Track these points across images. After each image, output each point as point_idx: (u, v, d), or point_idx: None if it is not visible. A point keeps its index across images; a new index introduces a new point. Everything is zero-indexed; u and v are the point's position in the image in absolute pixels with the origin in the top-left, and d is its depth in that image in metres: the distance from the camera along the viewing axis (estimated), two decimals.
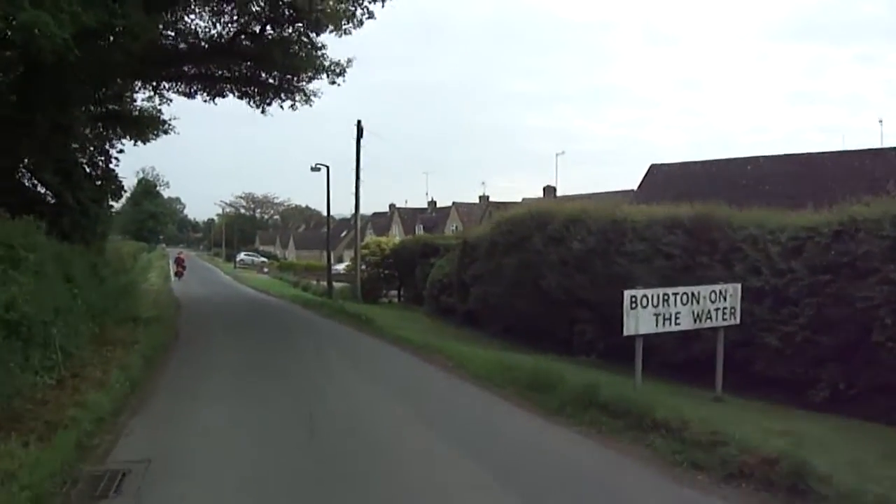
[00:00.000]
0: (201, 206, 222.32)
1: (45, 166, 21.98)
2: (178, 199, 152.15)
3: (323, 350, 17.40)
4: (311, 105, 28.36)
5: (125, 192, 25.27)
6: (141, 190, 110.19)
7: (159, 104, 29.87)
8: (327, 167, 38.02)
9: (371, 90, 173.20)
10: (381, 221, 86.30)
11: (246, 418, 9.91)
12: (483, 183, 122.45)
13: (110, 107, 28.01)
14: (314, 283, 46.72)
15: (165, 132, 30.65)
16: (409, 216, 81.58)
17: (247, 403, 10.88)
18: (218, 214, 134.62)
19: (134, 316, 18.96)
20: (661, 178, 33.54)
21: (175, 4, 24.58)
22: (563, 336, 18.35)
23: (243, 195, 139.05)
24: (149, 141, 31.14)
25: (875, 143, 32.02)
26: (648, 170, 35.88)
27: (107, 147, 27.06)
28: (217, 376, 13.40)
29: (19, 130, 19.92)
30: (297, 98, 28.19)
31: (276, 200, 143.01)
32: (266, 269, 74.19)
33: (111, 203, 25.46)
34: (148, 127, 30.30)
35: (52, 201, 22.18)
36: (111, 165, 25.48)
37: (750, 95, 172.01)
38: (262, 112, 28.86)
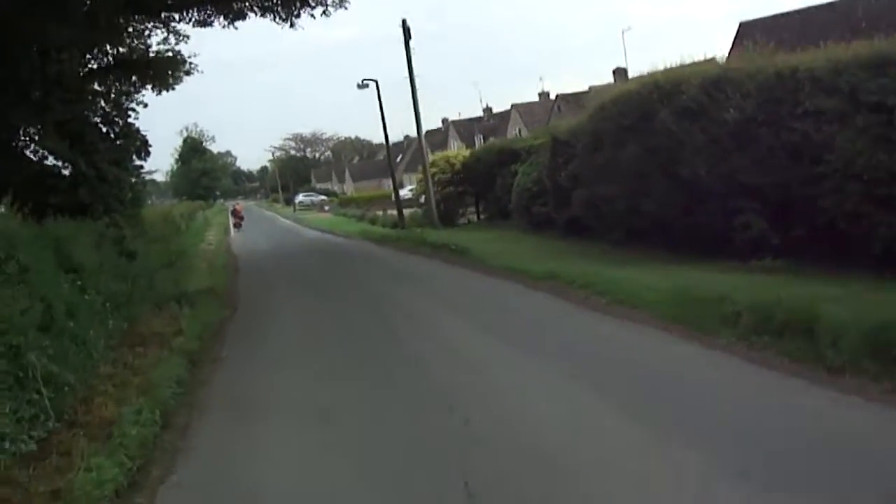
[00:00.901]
0: (253, 155, 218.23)
1: (49, 132, 18.42)
2: (228, 153, 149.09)
3: (426, 305, 13.25)
4: (346, 7, 23.92)
5: (150, 146, 21.32)
6: (188, 149, 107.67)
7: (175, 44, 25.80)
8: (375, 81, 33.73)
9: (397, 10, 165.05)
10: (435, 138, 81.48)
11: (344, 470, 6.01)
12: (541, 79, 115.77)
13: (118, 51, 24.15)
14: (380, 213, 42.97)
15: (187, 73, 26.48)
16: (465, 128, 76.66)
17: (340, 434, 6.89)
18: (270, 160, 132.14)
19: (180, 293, 15.44)
20: (757, 36, 29.01)
21: None
22: (716, 235, 14.19)
23: (291, 137, 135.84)
24: (171, 87, 27.00)
25: None
26: (738, 29, 31.63)
27: (122, 100, 23.31)
28: (290, 374, 9.52)
29: (6, 93, 16.31)
30: (329, 2, 23.78)
31: (324, 137, 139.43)
32: (327, 208, 70.75)
33: (139, 163, 21.53)
34: (167, 70, 26.27)
35: (67, 172, 18.68)
36: (130, 120, 21.57)
37: None
38: (291, 26, 24.41)
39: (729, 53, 28.57)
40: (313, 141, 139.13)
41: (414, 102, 30.59)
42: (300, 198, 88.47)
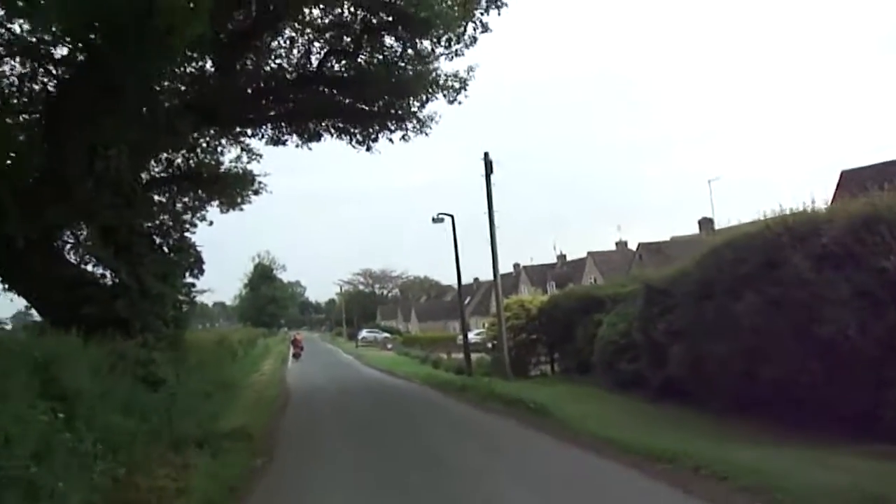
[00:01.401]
0: (321, 287, 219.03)
1: (94, 235, 16.92)
2: (297, 283, 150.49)
3: (506, 490, 9.67)
4: (426, 134, 22.62)
5: (204, 264, 19.59)
6: (258, 275, 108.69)
7: (248, 162, 24.81)
8: (451, 216, 32.02)
9: (476, 154, 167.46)
10: (506, 283, 79.03)
11: None
12: (619, 228, 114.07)
13: (190, 164, 23.12)
14: (444, 357, 40.52)
15: (256, 192, 25.48)
16: (537, 274, 74.79)
17: None
18: (338, 294, 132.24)
19: (205, 433, 13.03)
20: (860, 185, 26.81)
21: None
22: (858, 410, 11.37)
23: (361, 272, 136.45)
24: (239, 207, 26.12)
25: None
26: (840, 178, 30.65)
27: (183, 213, 22.02)
28: None
29: (49, 188, 14.86)
30: (409, 126, 22.45)
31: (393, 274, 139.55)
32: (390, 346, 68.72)
33: (190, 280, 19.71)
34: (235, 188, 25.20)
35: (111, 282, 16.97)
36: (186, 234, 20.01)
37: (871, 111, 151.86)
38: (368, 149, 23.36)
39: (833, 198, 26.55)
40: (382, 277, 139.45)
41: (491, 237, 28.53)
42: (363, 333, 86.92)
